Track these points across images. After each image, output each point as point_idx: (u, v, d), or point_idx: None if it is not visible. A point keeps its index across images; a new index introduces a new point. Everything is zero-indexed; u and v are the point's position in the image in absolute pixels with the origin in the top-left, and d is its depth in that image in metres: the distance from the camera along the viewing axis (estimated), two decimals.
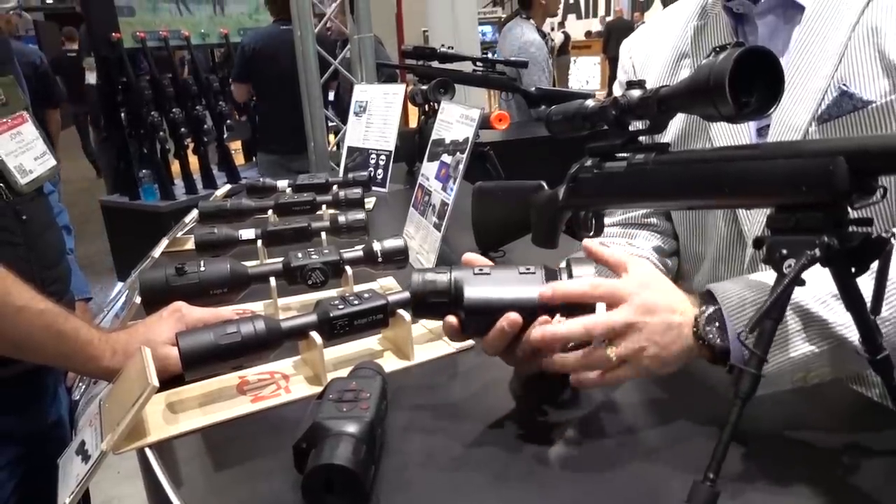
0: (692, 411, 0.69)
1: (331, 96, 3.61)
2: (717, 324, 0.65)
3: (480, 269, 0.71)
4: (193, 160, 3.67)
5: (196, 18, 3.96)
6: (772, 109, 0.60)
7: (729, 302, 0.65)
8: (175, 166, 3.65)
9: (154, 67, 3.50)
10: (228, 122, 3.88)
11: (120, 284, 3.53)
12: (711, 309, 0.65)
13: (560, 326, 0.66)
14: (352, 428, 0.58)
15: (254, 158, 4.29)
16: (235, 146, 5.14)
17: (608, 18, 12.29)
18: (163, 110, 3.46)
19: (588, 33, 12.63)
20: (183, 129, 3.53)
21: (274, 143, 3.45)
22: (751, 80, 0.60)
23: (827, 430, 0.66)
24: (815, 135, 0.78)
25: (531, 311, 0.68)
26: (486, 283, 0.70)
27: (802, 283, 0.53)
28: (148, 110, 3.40)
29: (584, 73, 11.59)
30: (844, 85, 0.76)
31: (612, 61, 10.27)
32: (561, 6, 5.01)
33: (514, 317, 0.67)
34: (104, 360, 0.81)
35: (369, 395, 0.64)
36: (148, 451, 0.70)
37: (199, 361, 0.74)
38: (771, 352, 0.58)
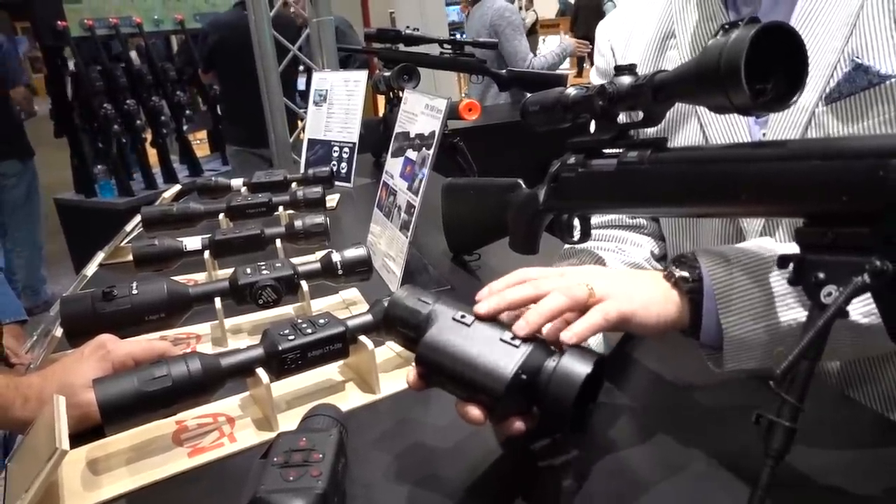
0: (706, 461, 0.59)
1: (301, 84, 3.41)
2: (686, 262, 0.61)
3: (462, 317, 0.58)
4: (152, 153, 3.49)
5: (148, 3, 3.73)
6: (794, 99, 0.50)
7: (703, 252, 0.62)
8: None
9: (105, 57, 3.31)
10: (188, 112, 3.69)
11: None
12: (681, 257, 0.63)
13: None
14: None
15: (219, 150, 4.09)
16: (201, 136, 4.92)
17: None
18: (116, 102, 3.27)
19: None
20: (139, 121, 3.34)
21: (242, 134, 3.28)
22: (767, 64, 0.50)
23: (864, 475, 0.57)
24: (822, 116, 0.69)
25: (495, 395, 0.53)
26: (453, 337, 0.56)
27: (845, 315, 0.43)
28: (100, 102, 3.21)
29: None
30: (857, 58, 0.67)
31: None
32: None
33: (474, 414, 0.53)
34: (14, 409, 0.69)
35: (322, 455, 0.53)
36: None
37: (122, 414, 0.62)
38: (751, 317, 0.56)
